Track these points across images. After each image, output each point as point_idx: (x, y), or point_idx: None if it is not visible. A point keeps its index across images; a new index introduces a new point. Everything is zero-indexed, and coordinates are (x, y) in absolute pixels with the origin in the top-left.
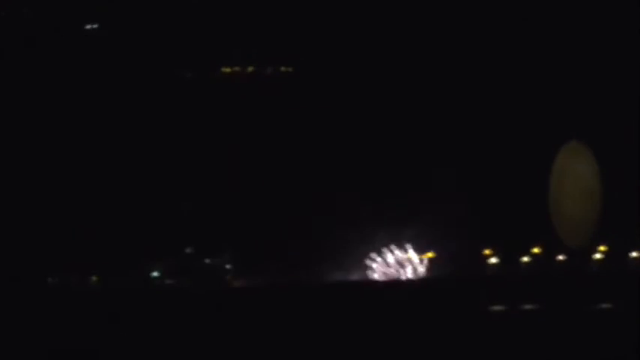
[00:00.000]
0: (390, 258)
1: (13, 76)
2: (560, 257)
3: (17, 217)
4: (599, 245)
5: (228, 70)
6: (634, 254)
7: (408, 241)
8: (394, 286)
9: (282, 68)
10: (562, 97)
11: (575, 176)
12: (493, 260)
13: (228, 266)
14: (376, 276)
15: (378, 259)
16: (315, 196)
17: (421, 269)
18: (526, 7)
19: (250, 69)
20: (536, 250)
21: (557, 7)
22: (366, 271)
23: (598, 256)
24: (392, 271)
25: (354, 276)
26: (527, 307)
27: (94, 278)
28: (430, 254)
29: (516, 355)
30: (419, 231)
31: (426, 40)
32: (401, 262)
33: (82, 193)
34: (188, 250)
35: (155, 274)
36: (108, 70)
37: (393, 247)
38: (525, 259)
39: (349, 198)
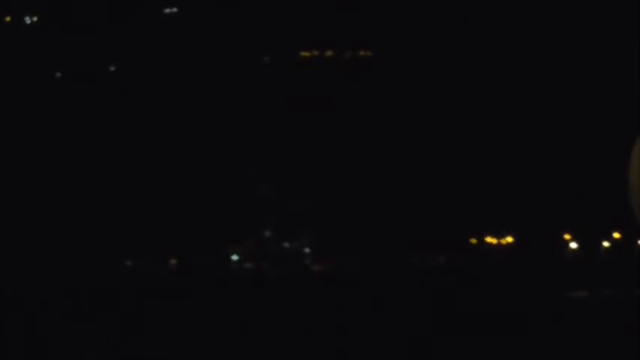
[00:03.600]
0: None
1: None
2: None
3: (94, 199)
4: None
5: (306, 54)
6: None
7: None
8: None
9: (362, 52)
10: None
11: None
12: (573, 245)
13: (307, 250)
14: None
15: None
16: (396, 176)
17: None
18: None
19: (329, 53)
20: (616, 235)
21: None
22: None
23: None
24: None
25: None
26: (606, 293)
27: (172, 261)
28: (509, 239)
29: (596, 343)
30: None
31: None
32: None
33: (160, 176)
34: (267, 234)
35: (234, 257)
36: (186, 54)
37: None
38: (606, 244)
39: (431, 177)
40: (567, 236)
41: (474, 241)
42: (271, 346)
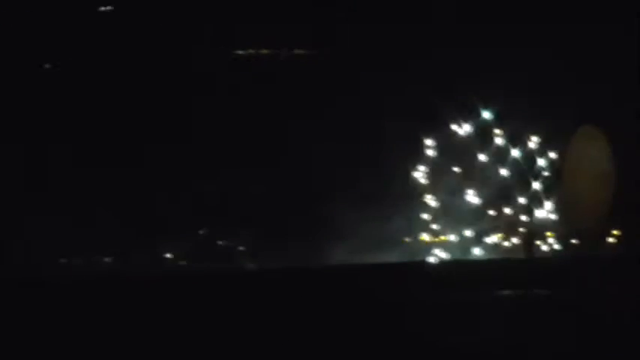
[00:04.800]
0: None
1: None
2: (574, 241)
3: (28, 198)
4: (612, 229)
5: (241, 52)
6: None
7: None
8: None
9: (297, 51)
10: (575, 81)
11: (589, 159)
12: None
13: (241, 248)
14: None
15: None
16: (332, 176)
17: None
18: None
19: (265, 52)
20: (549, 234)
21: None
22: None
23: (612, 239)
24: None
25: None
26: (540, 292)
27: (106, 259)
28: (444, 238)
29: (526, 340)
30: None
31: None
32: None
33: (93, 173)
34: (201, 232)
35: (168, 255)
36: (119, 52)
37: None
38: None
39: (366, 179)
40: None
41: (407, 240)
42: (204, 345)
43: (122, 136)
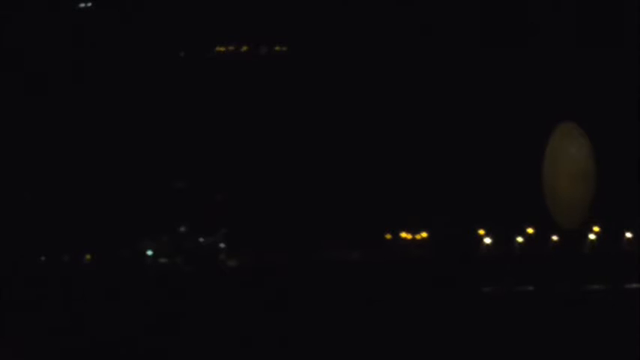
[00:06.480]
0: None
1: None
2: (555, 238)
3: (7, 195)
4: (593, 226)
5: (222, 49)
6: (628, 235)
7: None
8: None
9: (277, 48)
10: (554, 79)
11: (568, 157)
12: (487, 240)
13: (222, 245)
14: None
15: None
16: (309, 174)
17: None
18: None
19: (245, 48)
20: (530, 230)
21: None
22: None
23: (592, 237)
24: None
25: (357, 254)
26: (521, 288)
27: (87, 257)
28: (424, 234)
29: (510, 337)
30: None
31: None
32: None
33: (73, 171)
34: (182, 229)
35: (149, 252)
36: (97, 48)
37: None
38: (519, 239)
39: (343, 177)
40: (482, 231)
41: (388, 236)
42: (186, 340)
43: (102, 137)
